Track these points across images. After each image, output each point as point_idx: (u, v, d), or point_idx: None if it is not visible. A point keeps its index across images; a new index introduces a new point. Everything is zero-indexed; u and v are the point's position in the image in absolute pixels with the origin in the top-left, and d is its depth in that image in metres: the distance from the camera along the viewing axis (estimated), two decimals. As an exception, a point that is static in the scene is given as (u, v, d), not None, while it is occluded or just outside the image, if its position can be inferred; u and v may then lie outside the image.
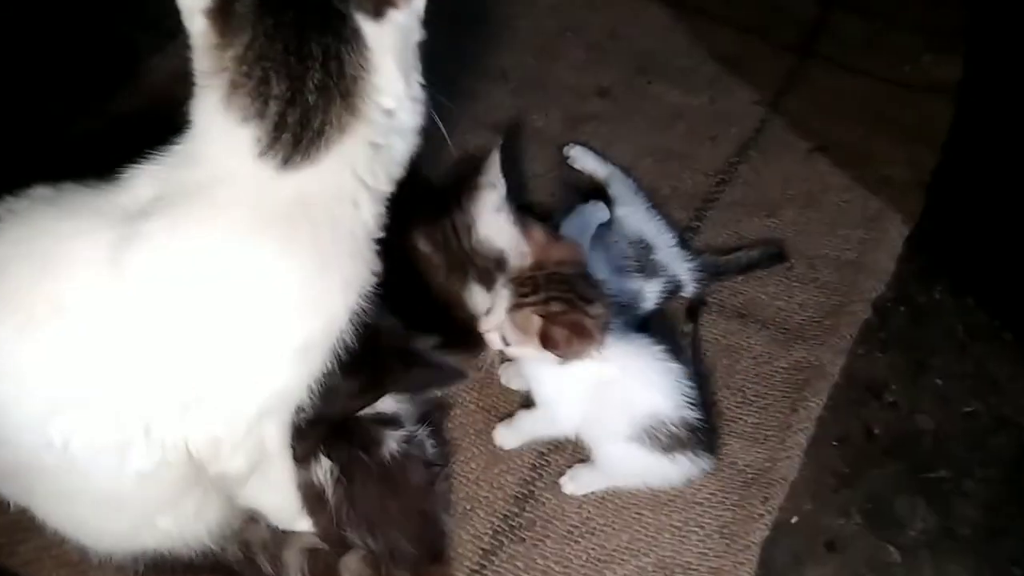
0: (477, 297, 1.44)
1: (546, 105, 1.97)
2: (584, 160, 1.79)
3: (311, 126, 0.95)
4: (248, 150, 0.96)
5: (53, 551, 1.29)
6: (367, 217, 1.04)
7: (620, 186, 1.69)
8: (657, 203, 1.73)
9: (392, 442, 1.26)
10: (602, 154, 1.80)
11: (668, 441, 1.27)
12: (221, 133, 0.97)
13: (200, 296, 0.97)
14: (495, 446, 1.43)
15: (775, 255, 1.66)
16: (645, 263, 1.53)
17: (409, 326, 1.36)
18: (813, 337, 1.56)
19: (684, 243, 1.64)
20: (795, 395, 1.48)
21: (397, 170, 1.05)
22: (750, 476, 1.39)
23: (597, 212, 1.60)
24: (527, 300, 1.26)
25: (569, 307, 1.24)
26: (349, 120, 0.97)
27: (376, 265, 1.06)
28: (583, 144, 1.82)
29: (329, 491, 1.23)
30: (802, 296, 1.62)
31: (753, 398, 1.48)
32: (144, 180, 1.01)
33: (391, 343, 1.29)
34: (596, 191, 1.70)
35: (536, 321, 1.23)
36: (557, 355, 1.24)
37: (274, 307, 0.99)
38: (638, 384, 1.28)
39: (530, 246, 1.31)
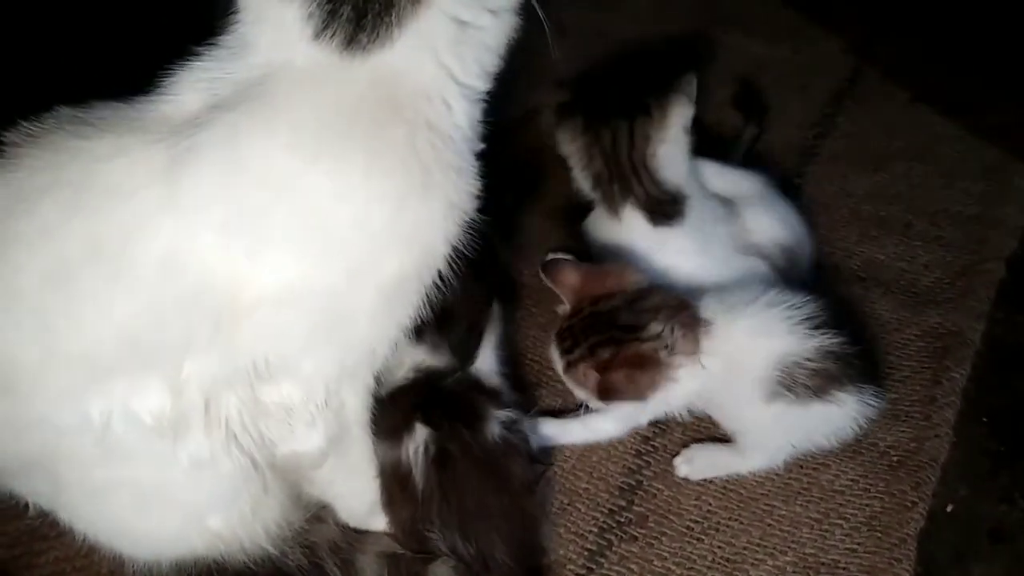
0: (632, 219, 1.25)
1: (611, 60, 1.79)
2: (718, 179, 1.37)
3: None
4: (300, 31, 0.77)
5: (78, 562, 1.09)
6: (462, 120, 0.84)
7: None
8: (749, 160, 1.54)
9: (495, 424, 1.05)
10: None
11: (816, 381, 1.07)
12: (268, 13, 0.78)
13: (272, 224, 0.78)
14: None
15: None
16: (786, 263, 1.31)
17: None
18: (946, 300, 1.36)
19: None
20: (935, 365, 1.28)
21: (491, 60, 0.85)
22: (895, 459, 1.18)
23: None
24: (573, 356, 1.09)
25: (618, 345, 1.07)
26: None
27: (477, 186, 0.87)
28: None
29: (418, 472, 1.01)
30: (926, 256, 1.43)
31: (887, 371, 1.27)
32: (190, 84, 0.81)
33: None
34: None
35: (592, 376, 1.07)
36: (632, 399, 1.08)
37: (360, 237, 0.80)
38: (741, 337, 1.09)
39: (562, 293, 1.13)
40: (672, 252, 1.25)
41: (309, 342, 0.83)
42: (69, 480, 0.89)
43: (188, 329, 0.80)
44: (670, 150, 1.25)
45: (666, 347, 1.07)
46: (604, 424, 1.19)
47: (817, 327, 1.09)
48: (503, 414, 1.07)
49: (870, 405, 1.11)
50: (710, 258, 1.26)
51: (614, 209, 1.27)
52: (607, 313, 1.09)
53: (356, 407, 0.94)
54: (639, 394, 1.08)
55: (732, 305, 1.12)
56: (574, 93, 1.39)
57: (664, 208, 1.25)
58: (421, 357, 1.09)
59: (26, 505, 0.99)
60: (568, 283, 1.13)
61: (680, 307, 1.11)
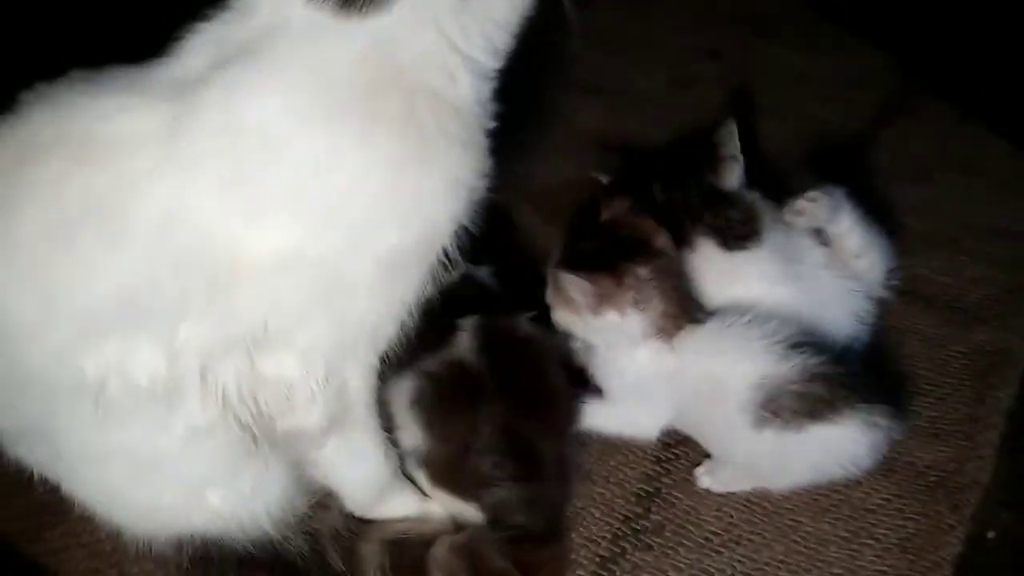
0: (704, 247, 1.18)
1: (649, 67, 1.78)
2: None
3: None
4: None
5: (84, 538, 1.07)
6: (467, 94, 0.82)
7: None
8: (788, 169, 1.50)
9: (523, 320, 1.07)
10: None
11: (803, 405, 1.01)
12: None
13: (269, 186, 0.76)
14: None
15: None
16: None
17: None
18: (994, 318, 1.29)
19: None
20: (978, 384, 1.21)
21: (499, 35, 0.82)
22: (933, 479, 1.11)
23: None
24: (563, 252, 1.12)
25: (602, 259, 1.09)
26: None
27: (488, 165, 0.84)
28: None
29: (473, 359, 1.01)
30: (973, 272, 1.36)
31: (928, 387, 1.21)
32: (198, 47, 0.81)
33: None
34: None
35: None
36: (579, 296, 1.06)
37: (356, 205, 0.78)
38: (715, 360, 1.06)
39: (606, 206, 1.17)
40: (753, 280, 1.15)
41: (306, 312, 0.81)
42: (67, 445, 0.88)
43: (184, 290, 0.78)
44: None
45: (636, 298, 1.07)
46: (599, 413, 1.15)
47: (795, 347, 1.03)
48: (527, 315, 1.08)
49: (881, 427, 1.03)
50: (800, 284, 1.16)
51: (688, 243, 1.18)
52: (621, 238, 1.11)
53: (360, 387, 0.91)
54: (581, 293, 1.06)
55: (720, 320, 1.09)
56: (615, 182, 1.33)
57: (736, 229, 1.17)
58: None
59: (32, 479, 0.98)
60: (614, 204, 1.16)
61: (680, 291, 1.11)
